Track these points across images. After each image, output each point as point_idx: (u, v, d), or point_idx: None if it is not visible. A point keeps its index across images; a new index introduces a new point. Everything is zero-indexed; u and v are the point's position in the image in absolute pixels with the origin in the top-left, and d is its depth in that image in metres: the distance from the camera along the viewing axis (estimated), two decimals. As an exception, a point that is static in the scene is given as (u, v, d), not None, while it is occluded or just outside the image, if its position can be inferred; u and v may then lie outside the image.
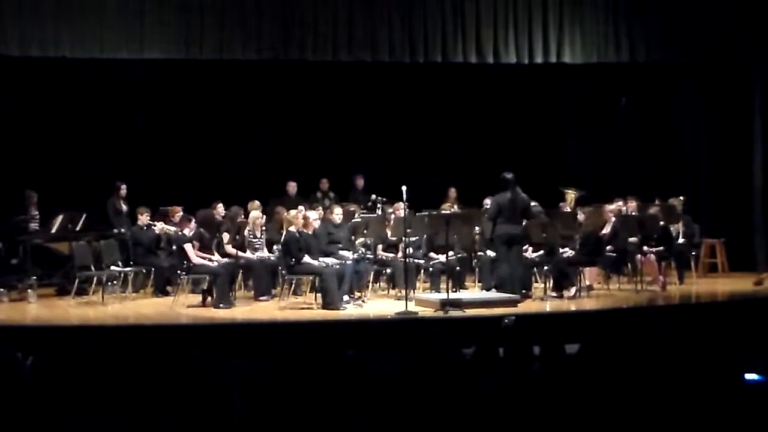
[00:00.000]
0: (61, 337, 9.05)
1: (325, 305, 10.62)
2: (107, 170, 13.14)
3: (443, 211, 12.12)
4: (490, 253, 11.65)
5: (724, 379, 5.20)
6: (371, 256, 11.83)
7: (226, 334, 9.52)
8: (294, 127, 14.68)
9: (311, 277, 11.22)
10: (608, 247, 11.75)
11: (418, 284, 11.96)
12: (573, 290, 11.43)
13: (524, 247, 11.56)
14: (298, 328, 9.73)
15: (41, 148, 13.54)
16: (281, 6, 12.89)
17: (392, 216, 11.95)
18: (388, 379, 5.19)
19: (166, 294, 11.84)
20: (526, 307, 10.60)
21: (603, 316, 10.42)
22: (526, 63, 13.65)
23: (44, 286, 12.05)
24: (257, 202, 12.20)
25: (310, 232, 11.14)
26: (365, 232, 11.98)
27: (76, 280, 11.41)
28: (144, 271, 12.14)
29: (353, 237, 11.97)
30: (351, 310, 10.73)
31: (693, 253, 12.92)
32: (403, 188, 10.58)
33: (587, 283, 11.74)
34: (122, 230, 12.48)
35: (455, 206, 13.15)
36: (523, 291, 11.09)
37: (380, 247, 12.01)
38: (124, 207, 12.77)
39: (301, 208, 11.90)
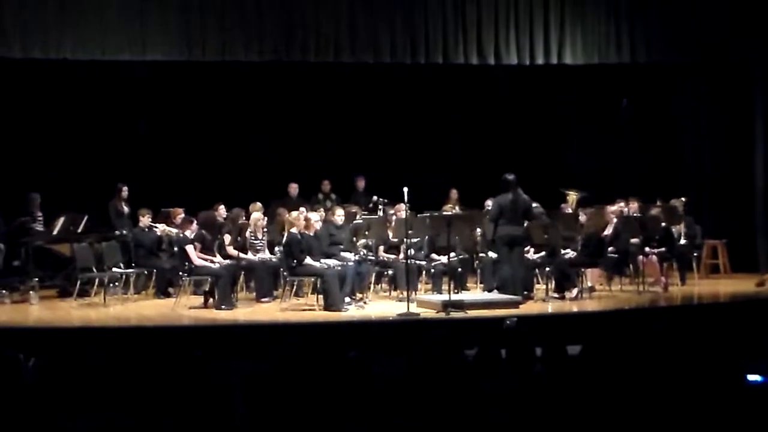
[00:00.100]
0: (63, 338, 9.05)
1: (327, 307, 10.62)
2: (109, 172, 13.13)
3: (445, 213, 12.12)
4: (492, 255, 11.65)
5: (726, 380, 5.20)
6: (373, 258, 11.83)
7: (227, 335, 9.53)
8: (295, 128, 14.68)
9: (313, 279, 11.22)
10: (610, 249, 11.75)
11: (419, 285, 11.95)
12: (575, 291, 11.42)
13: (526, 249, 11.55)
14: (299, 329, 9.73)
15: (43, 150, 13.53)
16: (283, 8, 12.89)
17: (394, 217, 11.94)
18: (390, 381, 5.19)
19: (168, 295, 11.85)
20: (528, 308, 10.60)
21: (605, 317, 10.42)
22: (527, 64, 13.65)
23: (46, 288, 12.06)
24: (259, 204, 12.21)
25: (312, 234, 11.14)
26: (367, 233, 11.98)
27: (78, 282, 11.41)
28: (146, 272, 12.14)
29: (355, 238, 11.96)
30: (353, 311, 10.73)
31: (695, 254, 12.92)
32: (405, 189, 10.59)
33: (589, 284, 11.74)
34: (124, 232, 12.47)
35: (457, 207, 13.16)
36: (525, 292, 11.08)
37: (382, 248, 12.00)
38: (126, 209, 12.76)
39: (302, 209, 11.90)
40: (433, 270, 11.81)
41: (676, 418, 4.88)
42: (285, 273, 11.08)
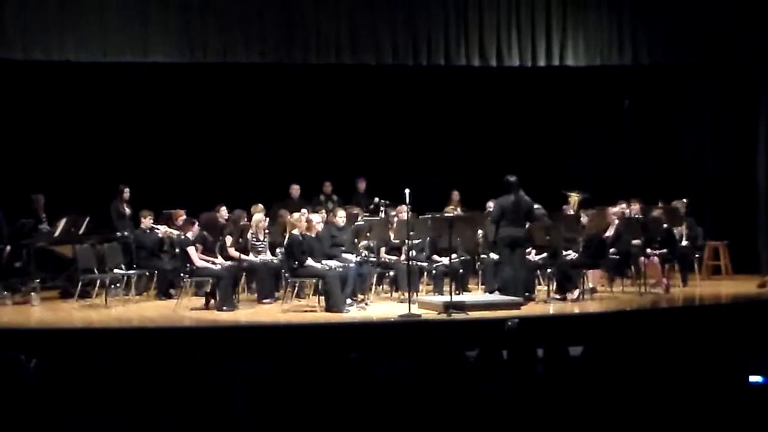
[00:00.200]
0: (65, 339, 9.05)
1: (328, 308, 10.62)
2: (110, 173, 13.14)
3: (446, 214, 12.12)
4: (494, 256, 11.64)
5: (728, 381, 5.20)
6: (374, 259, 11.82)
7: (229, 336, 9.52)
8: (297, 129, 14.68)
9: (314, 280, 11.22)
10: (611, 250, 11.75)
11: (421, 287, 11.96)
12: (576, 293, 11.42)
13: (527, 250, 11.54)
14: (301, 330, 9.73)
15: (45, 151, 13.54)
16: (284, 9, 12.89)
17: (395, 219, 11.94)
18: (391, 382, 5.19)
19: (169, 297, 11.85)
20: (530, 309, 10.59)
21: (606, 318, 10.42)
22: (529, 65, 13.64)
23: (48, 289, 12.06)
24: (260, 205, 12.19)
25: (313, 235, 11.14)
26: (368, 234, 11.98)
27: (80, 283, 11.40)
28: (147, 274, 12.14)
29: (356, 240, 11.96)
30: (354, 312, 10.73)
31: (696, 255, 12.92)
32: (406, 191, 10.58)
33: (590, 285, 11.73)
34: (125, 233, 12.47)
35: (458, 209, 13.16)
36: (527, 294, 11.08)
37: (383, 249, 11.99)
38: (128, 210, 12.76)
39: (304, 211, 11.88)
40: (434, 271, 11.81)
41: (678, 419, 4.88)
42: (286, 274, 11.08)
